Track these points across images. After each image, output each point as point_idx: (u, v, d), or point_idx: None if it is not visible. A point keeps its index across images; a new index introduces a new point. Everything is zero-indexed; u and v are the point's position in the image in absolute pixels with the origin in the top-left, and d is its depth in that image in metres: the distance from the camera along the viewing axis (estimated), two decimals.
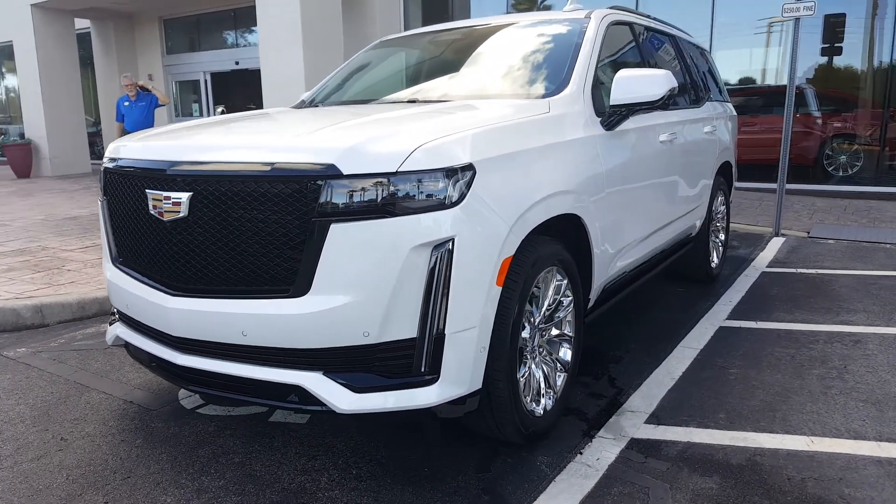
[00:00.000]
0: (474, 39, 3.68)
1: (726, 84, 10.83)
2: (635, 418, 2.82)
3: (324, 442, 2.63)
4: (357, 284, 1.99)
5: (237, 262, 2.09)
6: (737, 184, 7.38)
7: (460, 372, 2.12)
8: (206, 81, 15.30)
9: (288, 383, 2.07)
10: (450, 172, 2.06)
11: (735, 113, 5.67)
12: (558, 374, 2.76)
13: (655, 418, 2.82)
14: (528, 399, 2.51)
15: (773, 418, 2.80)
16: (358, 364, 2.08)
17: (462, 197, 2.07)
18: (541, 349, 2.66)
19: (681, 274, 5.02)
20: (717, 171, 4.85)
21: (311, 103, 3.78)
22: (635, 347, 3.68)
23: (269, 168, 2.04)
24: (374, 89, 3.66)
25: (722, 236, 5.30)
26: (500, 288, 2.19)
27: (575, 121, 2.80)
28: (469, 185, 2.10)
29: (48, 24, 14.01)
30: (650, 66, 3.86)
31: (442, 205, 2.04)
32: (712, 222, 5.01)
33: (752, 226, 7.31)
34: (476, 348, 2.14)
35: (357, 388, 2.06)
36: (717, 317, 4.20)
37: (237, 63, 14.85)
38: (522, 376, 2.46)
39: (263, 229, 2.04)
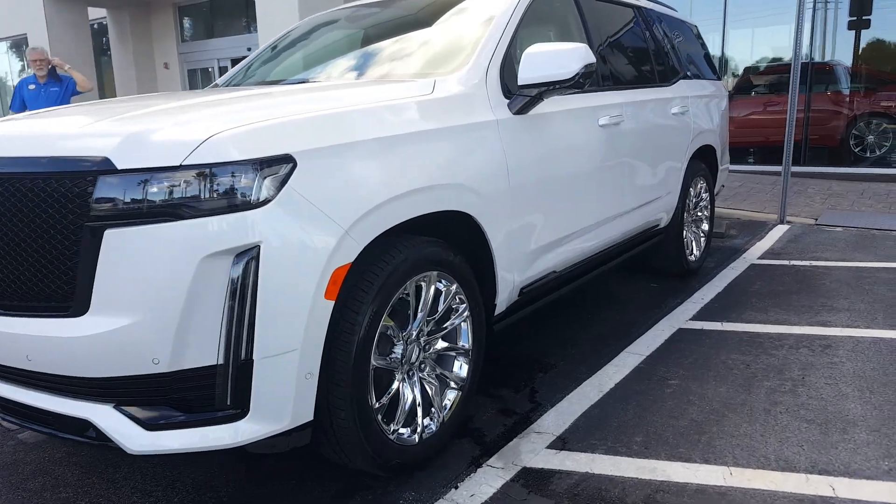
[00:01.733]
0: (396, 13, 3.34)
1: (752, 63, 10.30)
2: (538, 442, 2.49)
3: (170, 475, 2.35)
4: (141, 302, 1.70)
5: (15, 274, 1.83)
6: (752, 167, 6.90)
7: (277, 404, 1.82)
8: (217, 69, 15.20)
9: (78, 416, 1.80)
10: (255, 165, 1.75)
11: (725, 92, 5.18)
12: (450, 391, 2.44)
13: (561, 442, 2.48)
14: (396, 425, 2.20)
15: (696, 443, 2.43)
16: (152, 396, 1.79)
17: (272, 195, 1.76)
18: (423, 365, 2.34)
19: (654, 268, 4.61)
20: (693, 155, 4.41)
21: (227, 84, 3.50)
22: (575, 353, 3.32)
23: (42, 163, 1.77)
24: (285, 69, 3.35)
25: (705, 226, 4.86)
26: (332, 303, 1.88)
27: (468, 104, 2.45)
28: (284, 180, 1.78)
29: (61, 15, 14.07)
30: (599, 40, 3.45)
31: (245, 205, 1.73)
32: (689, 212, 4.57)
33: (757, 212, 6.78)
34: (298, 375, 1.84)
35: (149, 425, 1.77)
36: (681, 317, 3.80)
37: (249, 49, 14.70)
38: (382, 400, 2.15)
39: (39, 236, 1.77)
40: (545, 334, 3.60)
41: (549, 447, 2.44)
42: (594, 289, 4.40)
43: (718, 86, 5.07)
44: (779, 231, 6.05)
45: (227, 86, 3.42)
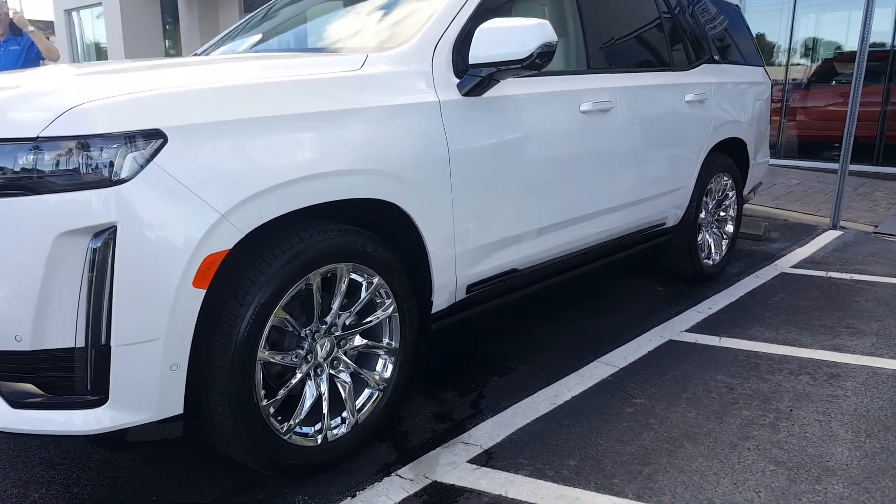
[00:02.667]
0: None
1: (822, 50, 9.42)
2: (462, 454, 2.28)
3: (81, 449, 2.29)
4: (2, 276, 1.61)
5: None
6: (815, 163, 6.34)
7: (139, 394, 1.70)
8: None
9: None
10: (118, 139, 1.61)
11: (767, 80, 4.71)
12: (369, 391, 2.26)
13: (487, 456, 2.27)
14: (295, 424, 2.04)
15: (635, 475, 2.17)
16: (18, 373, 1.70)
17: (136, 172, 1.62)
18: (337, 363, 2.17)
19: (664, 271, 4.27)
20: (715, 149, 4.02)
21: (204, 52, 3.39)
22: (542, 359, 3.08)
23: None
24: (248, 39, 3.19)
25: (729, 228, 4.45)
26: (203, 291, 1.73)
27: (403, 82, 2.23)
28: (151, 157, 1.64)
29: None
30: (594, 18, 3.14)
31: (103, 182, 1.60)
32: (707, 211, 4.19)
33: (808, 215, 6.23)
34: (162, 366, 1.70)
35: (14, 402, 1.70)
36: (676, 327, 3.47)
37: None
38: (278, 396, 1.99)
39: None
40: (517, 335, 3.36)
41: (472, 461, 2.24)
42: (589, 288, 4.11)
43: (758, 73, 4.60)
44: (827, 237, 5.52)
45: (197, 55, 3.31)
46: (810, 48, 9.35)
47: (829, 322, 3.56)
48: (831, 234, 5.59)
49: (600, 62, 3.13)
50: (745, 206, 6.33)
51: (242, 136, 1.79)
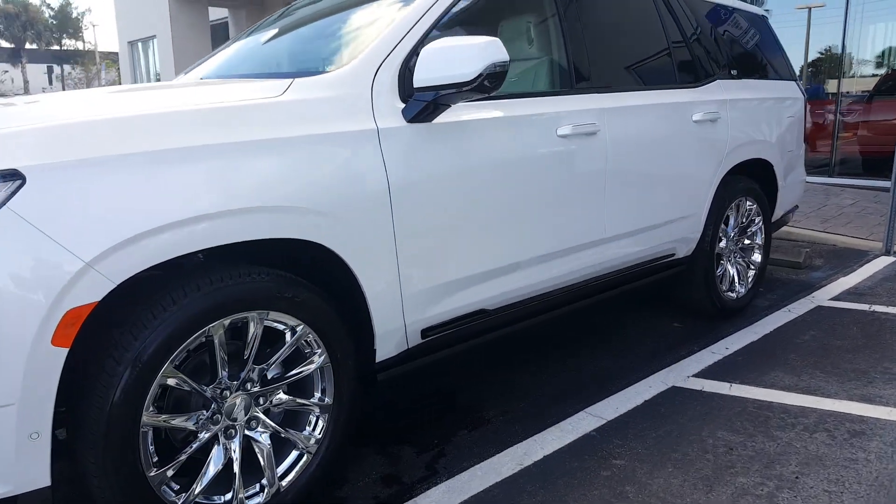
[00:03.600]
0: (341, 4, 2.95)
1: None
2: None
3: None
4: None
5: None
6: (872, 182, 5.85)
7: None
8: None
9: None
10: None
11: (799, 95, 4.29)
12: (296, 453, 2.03)
13: None
14: (196, 493, 1.82)
15: None
16: None
17: None
18: (255, 423, 1.95)
19: (682, 305, 3.90)
20: (733, 171, 3.65)
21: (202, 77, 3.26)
22: (522, 407, 2.78)
23: None
24: (217, 64, 3.05)
25: (756, 257, 4.03)
26: (65, 350, 1.54)
27: (334, 109, 2.01)
28: (5, 200, 1.47)
29: (184, 15, 14.99)
30: (579, 33, 2.87)
31: None
32: (728, 239, 3.80)
33: (859, 239, 5.68)
34: (18, 434, 1.52)
35: None
36: (685, 371, 3.11)
37: None
38: (180, 459, 1.78)
39: None
40: (501, 378, 3.07)
41: None
42: (594, 324, 3.78)
43: (789, 87, 4.20)
44: (878, 264, 4.99)
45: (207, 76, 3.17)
46: (867, 59, 8.73)
47: (862, 366, 3.12)
48: (883, 261, 5.06)
49: (586, 82, 2.85)
50: (787, 230, 5.87)
51: (118, 174, 1.60)
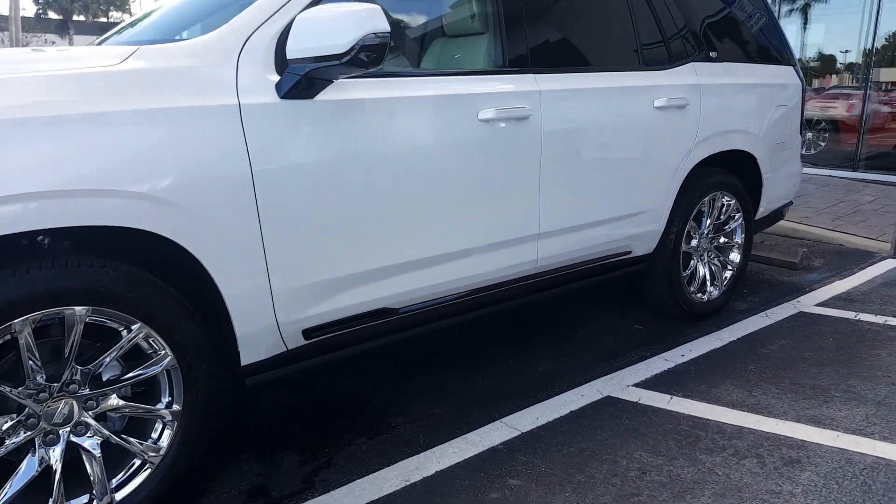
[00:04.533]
0: None
1: None
2: None
3: None
4: None
5: None
6: (891, 177, 5.47)
7: None
8: None
9: None
10: None
11: (796, 81, 3.93)
12: (139, 463, 1.87)
13: None
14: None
15: None
16: None
17: None
18: (83, 428, 1.79)
19: (649, 305, 3.63)
20: (706, 162, 3.35)
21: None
22: (435, 414, 2.58)
23: None
24: (131, 29, 2.86)
25: (735, 256, 3.72)
26: None
27: (182, 81, 1.81)
28: None
29: None
30: (517, 7, 2.61)
31: None
32: (702, 237, 3.51)
33: (869, 239, 5.28)
34: None
35: None
36: (627, 379, 2.87)
37: None
38: None
39: None
40: (428, 381, 2.87)
41: None
42: (549, 321, 3.54)
43: (784, 73, 3.85)
44: (881, 267, 4.61)
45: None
46: None
47: (824, 382, 2.83)
48: (888, 264, 4.68)
49: (521, 60, 2.59)
50: (792, 226, 5.50)
51: None
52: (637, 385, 2.81)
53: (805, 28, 8.95)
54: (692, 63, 3.26)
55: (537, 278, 2.81)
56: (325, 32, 1.85)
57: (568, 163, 2.71)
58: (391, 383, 2.84)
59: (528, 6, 2.65)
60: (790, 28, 8.64)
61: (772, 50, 3.85)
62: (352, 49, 1.82)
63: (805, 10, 8.75)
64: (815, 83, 9.34)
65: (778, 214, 4.18)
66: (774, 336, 3.37)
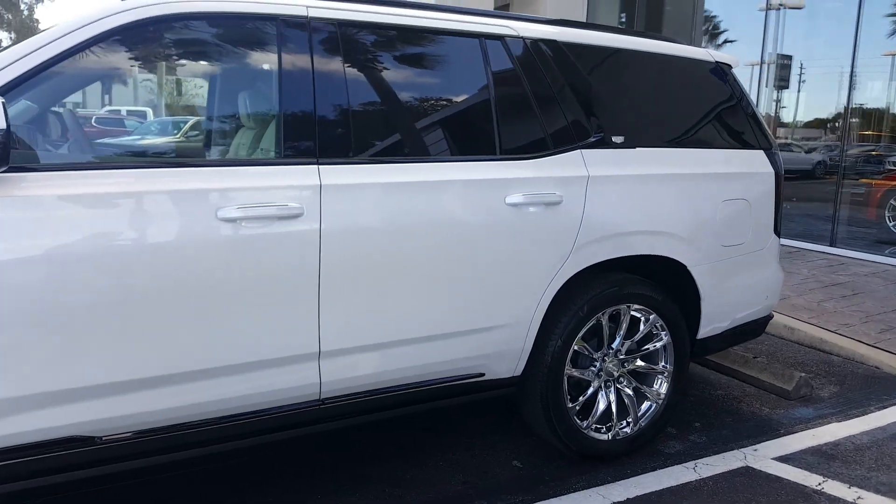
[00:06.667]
0: None
1: None
2: None
3: None
4: None
5: None
6: None
7: None
8: None
9: None
10: None
11: (764, 169, 3.18)
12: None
13: None
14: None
15: None
16: None
17: None
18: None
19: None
20: (609, 266, 2.72)
21: None
22: None
23: None
24: None
25: (661, 387, 2.97)
26: None
27: None
28: None
29: None
30: (298, 89, 2.21)
31: None
32: (602, 359, 2.83)
33: None
34: None
35: None
36: None
37: None
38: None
39: None
40: None
41: None
42: (412, 438, 2.95)
43: (742, 159, 3.12)
44: None
45: None
46: None
47: None
48: None
49: (304, 149, 2.18)
50: (821, 336, 4.53)
51: None
52: None
53: None
54: (579, 151, 2.67)
55: (328, 404, 2.31)
56: None
57: (370, 270, 2.22)
58: None
59: (322, 81, 2.23)
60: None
61: (726, 132, 3.14)
62: None
63: None
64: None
65: (748, 331, 3.37)
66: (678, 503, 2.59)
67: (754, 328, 3.38)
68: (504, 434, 3.10)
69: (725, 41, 9.62)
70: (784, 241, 7.82)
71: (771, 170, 3.22)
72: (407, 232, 2.28)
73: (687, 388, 3.74)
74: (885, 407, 3.60)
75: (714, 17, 9.61)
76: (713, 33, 9.71)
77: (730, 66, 3.29)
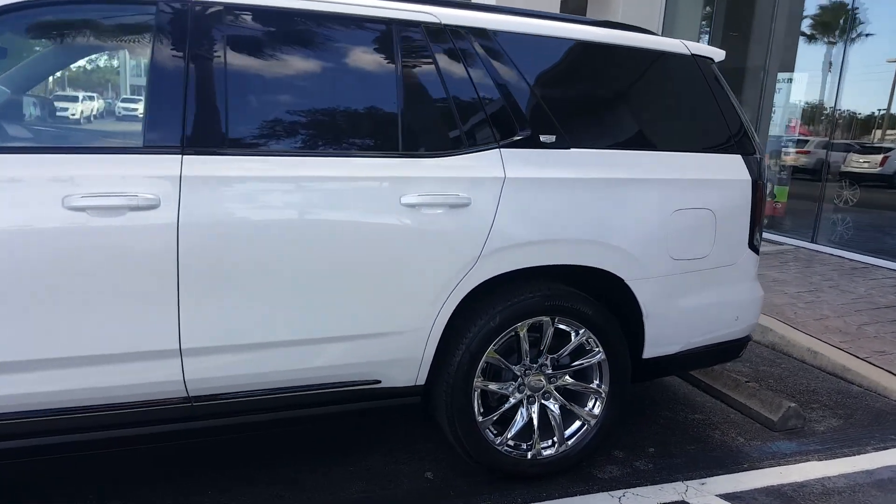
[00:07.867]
0: None
1: None
2: None
3: None
4: None
5: None
6: None
7: None
8: None
9: None
10: None
11: (739, 176, 2.85)
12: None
13: None
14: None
15: None
16: None
17: None
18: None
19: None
20: (529, 275, 2.54)
21: None
22: None
23: None
24: None
25: (594, 408, 2.75)
26: None
27: None
28: None
29: None
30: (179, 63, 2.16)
31: None
32: (524, 375, 2.64)
33: None
34: None
35: None
36: None
37: None
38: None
39: None
40: None
41: None
42: (313, 438, 2.89)
43: (709, 164, 2.81)
44: None
45: None
46: None
47: None
48: None
49: (168, 138, 2.14)
50: (844, 362, 4.09)
51: None
52: None
53: None
54: (498, 150, 2.48)
55: (199, 402, 2.28)
56: None
57: (237, 268, 2.17)
58: None
59: (197, 67, 2.17)
60: None
61: (692, 134, 2.84)
62: None
63: None
64: None
65: (716, 353, 3.05)
66: None
67: (725, 351, 3.06)
68: (438, 444, 2.98)
69: (860, 34, 8.26)
70: (851, 255, 7.09)
71: (747, 177, 2.88)
72: (280, 229, 2.20)
73: (660, 410, 3.45)
74: (884, 448, 3.17)
75: (850, 9, 8.21)
76: (845, 28, 8.24)
77: (711, 61, 2.96)
